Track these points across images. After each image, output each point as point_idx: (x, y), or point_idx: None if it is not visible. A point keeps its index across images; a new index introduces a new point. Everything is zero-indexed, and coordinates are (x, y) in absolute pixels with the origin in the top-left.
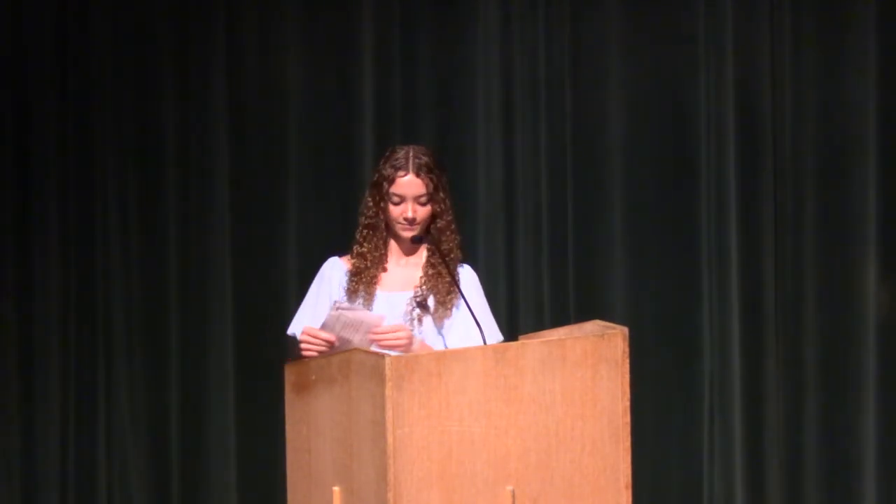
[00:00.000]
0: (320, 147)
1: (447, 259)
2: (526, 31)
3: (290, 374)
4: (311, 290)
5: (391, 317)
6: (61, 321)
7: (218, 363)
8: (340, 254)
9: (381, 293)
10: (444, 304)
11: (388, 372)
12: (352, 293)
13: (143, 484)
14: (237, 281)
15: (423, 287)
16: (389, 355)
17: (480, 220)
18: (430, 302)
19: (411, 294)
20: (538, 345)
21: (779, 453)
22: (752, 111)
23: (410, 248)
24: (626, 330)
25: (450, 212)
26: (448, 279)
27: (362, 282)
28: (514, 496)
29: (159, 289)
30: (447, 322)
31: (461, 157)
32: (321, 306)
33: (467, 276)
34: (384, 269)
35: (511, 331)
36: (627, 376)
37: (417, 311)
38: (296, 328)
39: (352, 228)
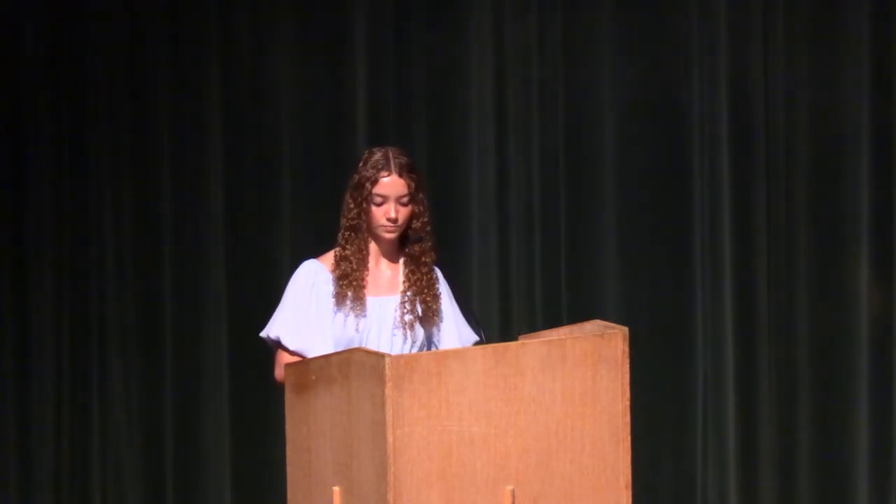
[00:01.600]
0: (314, 148)
1: (421, 267)
2: (518, 31)
3: (290, 374)
4: (293, 294)
5: (382, 322)
6: (56, 320)
7: (212, 362)
8: (314, 256)
9: (371, 298)
10: (431, 310)
11: (387, 372)
12: (340, 298)
13: (137, 483)
14: (231, 280)
15: (409, 292)
16: (389, 355)
17: (473, 221)
18: (418, 307)
19: (398, 299)
20: (538, 345)
21: (772, 453)
22: (745, 111)
23: (389, 250)
24: (626, 330)
25: (427, 213)
26: (427, 283)
27: (351, 286)
28: (514, 496)
29: (153, 287)
30: (437, 329)
31: (454, 157)
32: (308, 313)
33: (441, 279)
34: (368, 272)
35: (504, 331)
36: (627, 376)
37: (409, 316)
38: (278, 331)
39: None
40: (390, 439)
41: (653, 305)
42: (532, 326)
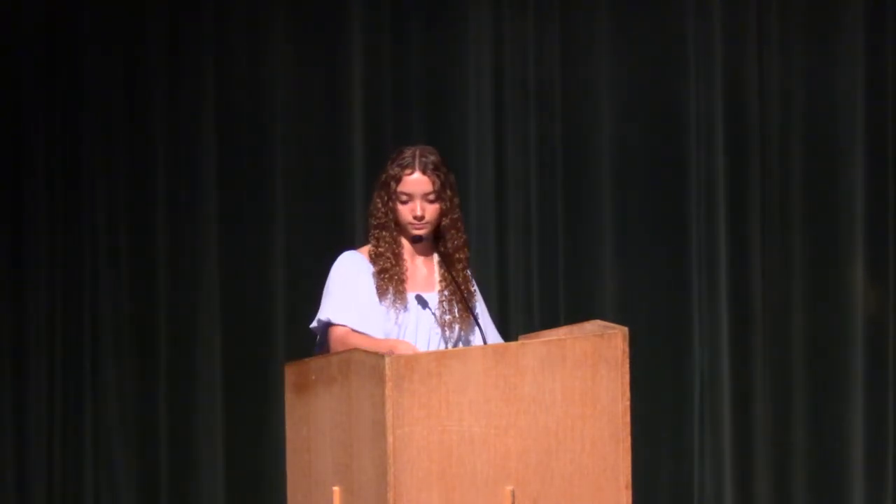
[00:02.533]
0: (309, 147)
1: (455, 265)
2: (516, 30)
3: (290, 374)
4: (343, 278)
5: (420, 318)
6: (49, 320)
7: (206, 363)
8: (348, 249)
9: (410, 294)
10: (469, 307)
11: (387, 372)
12: (382, 291)
13: (130, 483)
14: (225, 281)
15: (446, 291)
16: (389, 355)
17: (471, 220)
18: (455, 306)
19: (436, 297)
20: (538, 345)
21: (768, 453)
22: (741, 111)
23: (423, 247)
24: (626, 330)
25: (456, 210)
26: (463, 282)
27: (392, 280)
28: (513, 496)
29: (147, 288)
30: (471, 329)
31: (451, 157)
32: (362, 293)
33: (472, 279)
34: (406, 268)
35: (501, 331)
36: (627, 376)
37: (448, 316)
38: (343, 317)
39: (340, 226)
40: (390, 439)
41: (649, 305)
42: (529, 326)
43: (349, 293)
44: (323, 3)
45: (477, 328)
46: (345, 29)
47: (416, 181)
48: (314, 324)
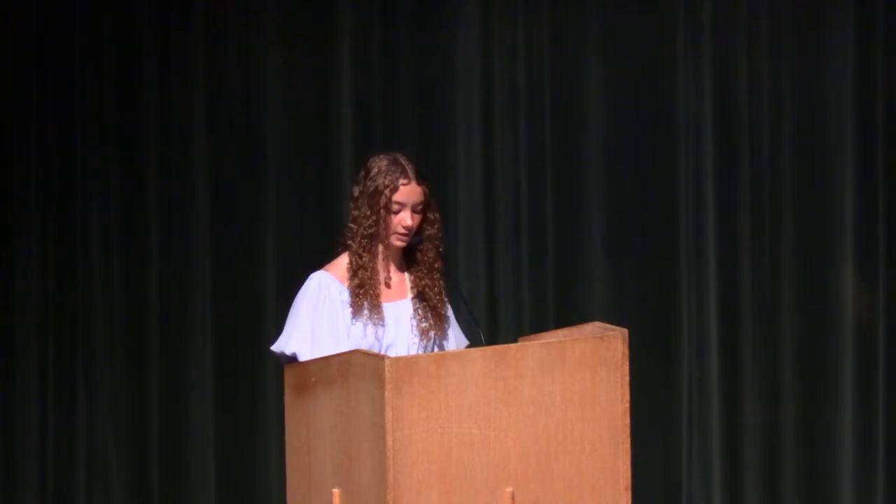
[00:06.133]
0: (299, 150)
1: (433, 273)
2: (505, 33)
3: (289, 375)
4: (304, 308)
5: (399, 327)
6: (41, 324)
7: (198, 365)
8: (316, 268)
9: (386, 305)
10: (443, 316)
11: (387, 374)
12: (357, 307)
13: (121, 486)
14: (217, 283)
15: (419, 297)
16: (389, 357)
17: (460, 222)
18: (429, 313)
19: (410, 304)
20: (538, 347)
21: (756, 455)
22: (730, 112)
23: (396, 255)
24: (625, 332)
25: (438, 220)
26: (438, 290)
27: (367, 295)
28: (513, 498)
29: (139, 291)
30: (446, 334)
31: (441, 159)
32: (323, 328)
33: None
34: (381, 280)
35: (491, 333)
36: (627, 378)
37: (425, 323)
38: (295, 348)
39: (331, 230)
40: (390, 441)
41: (638, 307)
42: (518, 329)
43: (314, 330)
44: (312, 8)
45: (449, 332)
46: (334, 30)
47: (410, 191)
48: (274, 347)
